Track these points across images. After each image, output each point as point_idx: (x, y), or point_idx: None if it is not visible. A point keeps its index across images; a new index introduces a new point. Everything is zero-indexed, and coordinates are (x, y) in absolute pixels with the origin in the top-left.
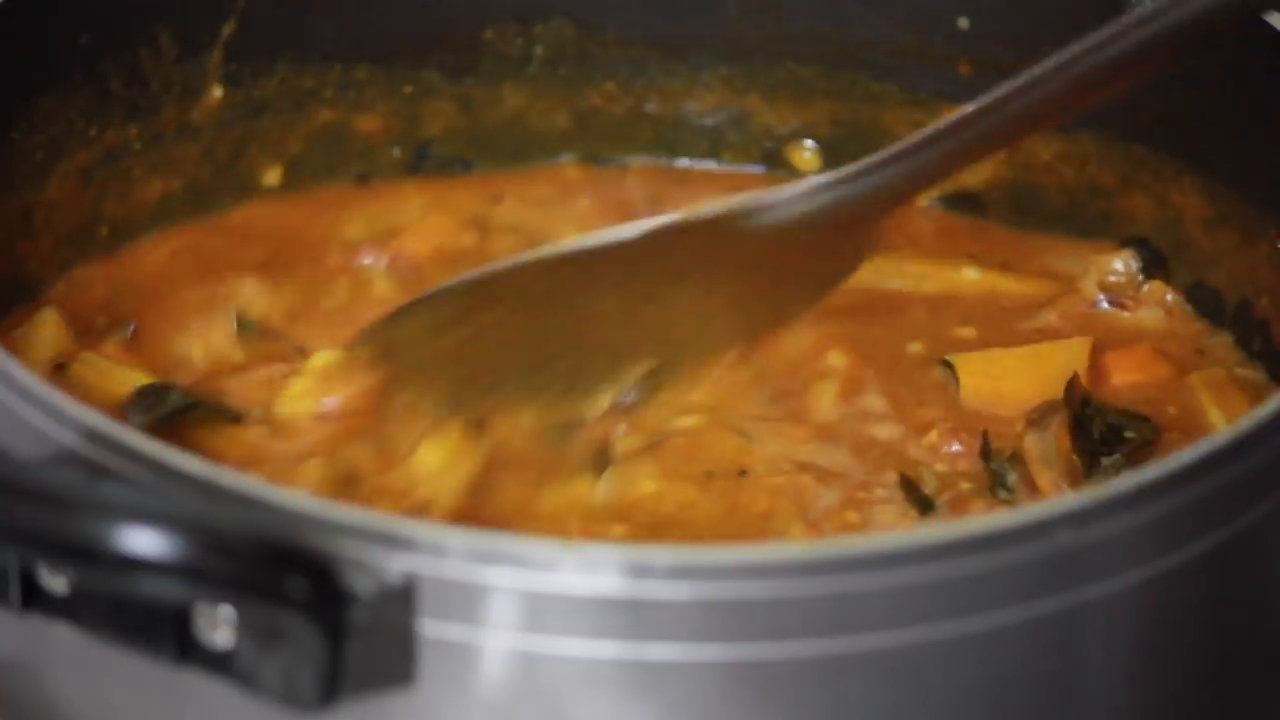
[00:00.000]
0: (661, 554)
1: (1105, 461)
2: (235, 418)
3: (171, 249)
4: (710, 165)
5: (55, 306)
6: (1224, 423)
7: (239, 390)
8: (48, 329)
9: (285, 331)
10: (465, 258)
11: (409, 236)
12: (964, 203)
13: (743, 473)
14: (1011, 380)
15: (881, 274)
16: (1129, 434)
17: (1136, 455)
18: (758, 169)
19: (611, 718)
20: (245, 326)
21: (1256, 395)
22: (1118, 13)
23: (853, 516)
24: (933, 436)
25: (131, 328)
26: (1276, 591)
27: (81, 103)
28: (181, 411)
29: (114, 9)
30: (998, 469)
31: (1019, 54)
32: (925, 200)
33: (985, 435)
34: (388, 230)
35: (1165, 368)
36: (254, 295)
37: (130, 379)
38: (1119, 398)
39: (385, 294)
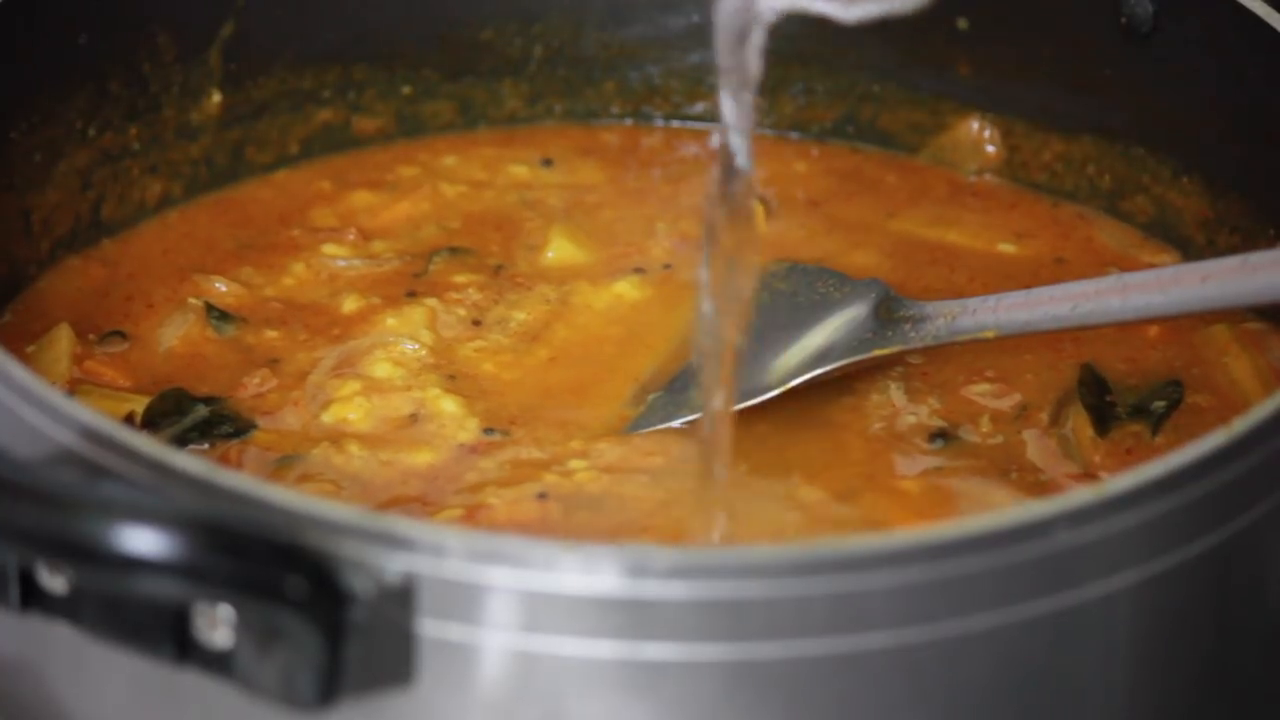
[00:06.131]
0: (660, 554)
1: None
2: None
3: (158, 238)
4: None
5: (68, 323)
6: (1238, 377)
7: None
8: (62, 345)
9: (256, 319)
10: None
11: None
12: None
13: None
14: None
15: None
16: (1156, 404)
17: (1165, 421)
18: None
19: (610, 717)
20: (218, 317)
21: (1264, 346)
22: (1116, 15)
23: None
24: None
25: (126, 344)
26: (1276, 591)
27: (80, 103)
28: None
29: (114, 9)
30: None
31: (1019, 54)
32: (970, 175)
33: (1022, 407)
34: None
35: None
36: (225, 287)
37: (130, 402)
38: (1145, 361)
39: (344, 272)
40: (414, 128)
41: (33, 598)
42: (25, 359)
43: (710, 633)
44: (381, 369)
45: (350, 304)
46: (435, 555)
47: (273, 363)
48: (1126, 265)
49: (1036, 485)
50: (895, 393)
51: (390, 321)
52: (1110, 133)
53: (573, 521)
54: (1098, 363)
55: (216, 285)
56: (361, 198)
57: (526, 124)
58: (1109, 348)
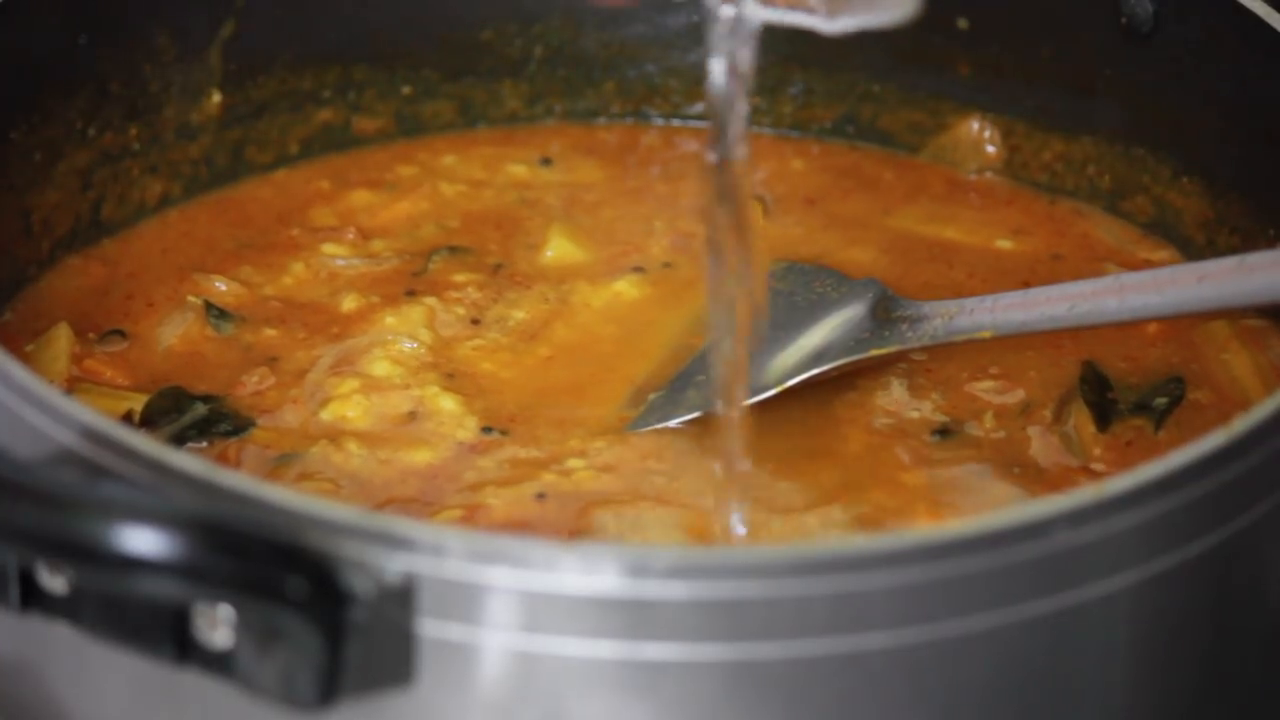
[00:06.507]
0: (660, 554)
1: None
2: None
3: (158, 238)
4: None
5: (66, 322)
6: (1238, 374)
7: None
8: (61, 343)
9: (255, 318)
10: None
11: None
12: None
13: None
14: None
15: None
16: (1159, 400)
17: (1167, 417)
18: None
19: (610, 717)
20: (217, 316)
21: (1264, 343)
22: (1116, 15)
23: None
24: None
25: (126, 343)
26: (1276, 591)
27: (80, 103)
28: (206, 422)
29: (114, 9)
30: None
31: (1019, 54)
32: (970, 174)
33: (1025, 406)
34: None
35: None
36: (225, 285)
37: (129, 400)
38: (1145, 358)
39: (343, 270)
40: (414, 128)
41: (33, 598)
42: (23, 358)
43: (710, 633)
44: (380, 367)
45: (349, 303)
46: (435, 555)
47: (272, 361)
48: (1123, 261)
49: (1039, 481)
50: (898, 389)
51: (389, 320)
52: (1110, 133)
53: (571, 521)
54: (1098, 360)
55: (216, 284)
56: (361, 197)
57: (526, 123)
58: (1109, 345)
